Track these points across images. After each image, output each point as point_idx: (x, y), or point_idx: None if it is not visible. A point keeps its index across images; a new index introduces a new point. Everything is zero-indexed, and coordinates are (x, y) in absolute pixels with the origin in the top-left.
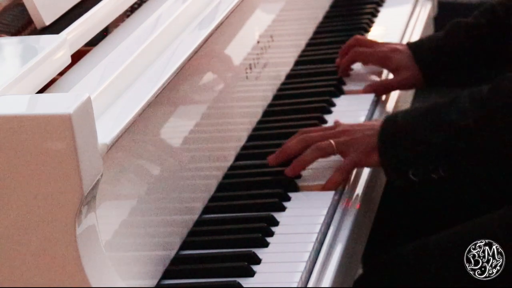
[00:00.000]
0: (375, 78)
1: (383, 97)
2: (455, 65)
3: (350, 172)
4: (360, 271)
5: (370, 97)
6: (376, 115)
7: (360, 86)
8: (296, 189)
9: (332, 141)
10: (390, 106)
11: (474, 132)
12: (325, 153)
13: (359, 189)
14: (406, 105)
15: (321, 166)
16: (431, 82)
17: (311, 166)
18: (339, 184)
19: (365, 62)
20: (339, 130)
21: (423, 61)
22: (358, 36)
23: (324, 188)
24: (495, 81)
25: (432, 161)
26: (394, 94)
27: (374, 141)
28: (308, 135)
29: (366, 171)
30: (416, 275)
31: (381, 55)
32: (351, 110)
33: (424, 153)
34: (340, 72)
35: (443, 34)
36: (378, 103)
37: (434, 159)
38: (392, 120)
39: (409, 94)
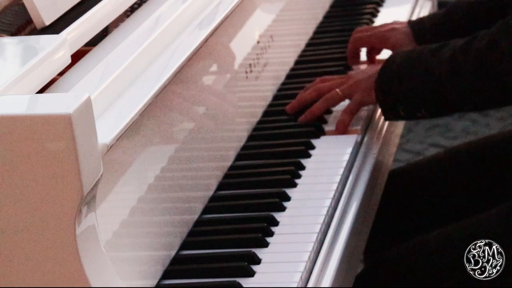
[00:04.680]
0: None
1: None
2: None
3: (357, 111)
4: (360, 269)
5: None
6: None
7: None
8: (294, 186)
9: (338, 90)
10: None
11: (442, 80)
12: (333, 102)
13: (359, 189)
14: None
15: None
16: None
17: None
18: (348, 123)
19: (366, 46)
20: (347, 76)
21: (423, 40)
22: (357, 28)
23: (336, 129)
24: (471, 37)
25: (415, 101)
26: None
27: (374, 80)
28: (320, 85)
29: (366, 173)
30: (416, 275)
31: (379, 36)
32: None
33: (408, 92)
34: (349, 61)
35: (443, 13)
36: None
37: (416, 99)
38: (391, 59)
39: None
